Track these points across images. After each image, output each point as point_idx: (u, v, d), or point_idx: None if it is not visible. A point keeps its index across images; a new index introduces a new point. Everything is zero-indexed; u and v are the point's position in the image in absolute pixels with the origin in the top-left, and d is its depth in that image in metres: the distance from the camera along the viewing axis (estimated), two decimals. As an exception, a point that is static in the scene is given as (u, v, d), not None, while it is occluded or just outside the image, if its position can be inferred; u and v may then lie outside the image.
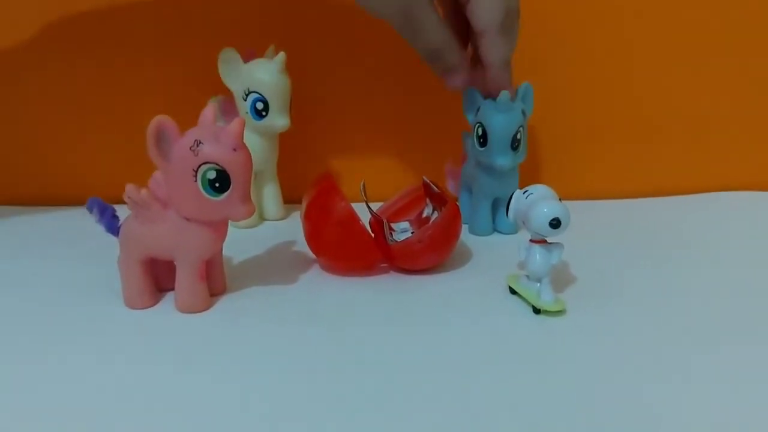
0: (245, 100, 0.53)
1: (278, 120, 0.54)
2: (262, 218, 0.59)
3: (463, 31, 0.52)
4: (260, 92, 0.53)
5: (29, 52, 0.61)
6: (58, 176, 0.64)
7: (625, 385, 0.33)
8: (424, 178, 0.51)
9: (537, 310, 0.41)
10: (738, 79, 0.64)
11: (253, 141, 0.52)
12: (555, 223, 0.39)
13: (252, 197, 0.52)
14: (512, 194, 0.42)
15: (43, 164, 0.64)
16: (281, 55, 0.53)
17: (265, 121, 0.54)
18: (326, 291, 0.45)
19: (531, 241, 0.41)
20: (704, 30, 0.62)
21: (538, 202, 0.40)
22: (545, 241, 0.41)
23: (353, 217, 0.44)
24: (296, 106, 0.58)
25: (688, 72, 0.64)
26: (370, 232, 0.47)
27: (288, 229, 0.56)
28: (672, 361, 0.35)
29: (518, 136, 0.51)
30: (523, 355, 0.36)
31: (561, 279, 0.45)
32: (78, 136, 0.64)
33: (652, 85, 0.64)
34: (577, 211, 0.57)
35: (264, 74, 0.53)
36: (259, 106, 0.53)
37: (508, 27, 0.49)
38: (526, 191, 0.41)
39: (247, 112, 0.54)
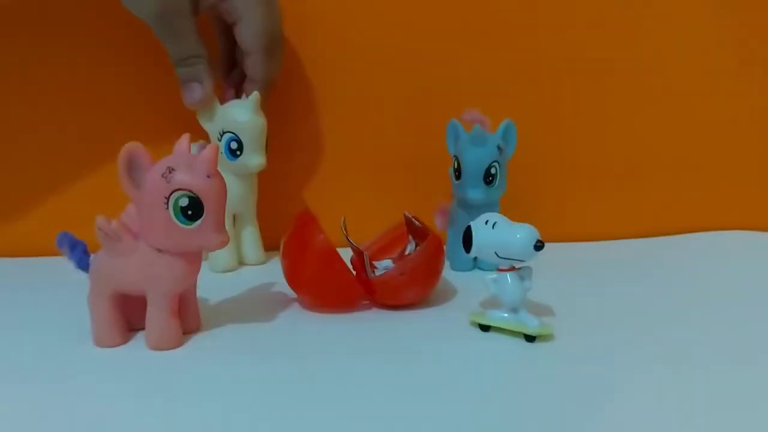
0: (220, 141, 0.53)
1: (252, 159, 0.53)
2: (241, 263, 0.58)
3: (232, 50, 0.57)
4: (234, 132, 0.53)
5: None
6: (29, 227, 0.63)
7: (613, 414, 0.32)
8: (406, 213, 0.50)
9: (531, 338, 0.39)
10: (722, 119, 0.64)
11: (230, 182, 0.51)
12: (540, 245, 0.38)
13: (231, 241, 0.51)
14: (466, 231, 0.41)
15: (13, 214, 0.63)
16: (255, 95, 0.53)
17: (240, 161, 0.53)
18: (305, 328, 0.43)
19: (500, 270, 0.40)
20: (686, 72, 0.64)
21: (509, 227, 0.39)
22: (514, 268, 0.40)
23: (332, 251, 0.43)
24: (277, 149, 0.57)
25: (672, 113, 0.64)
26: (351, 269, 0.46)
27: (268, 273, 0.55)
28: (652, 390, 0.34)
29: (492, 171, 0.51)
30: (511, 389, 0.34)
31: (543, 315, 0.44)
32: (50, 184, 0.63)
33: (636, 126, 0.64)
34: (561, 253, 0.58)
35: (238, 114, 0.53)
36: (234, 145, 0.53)
37: (272, 50, 0.54)
38: (486, 222, 0.40)
39: (222, 153, 0.53)
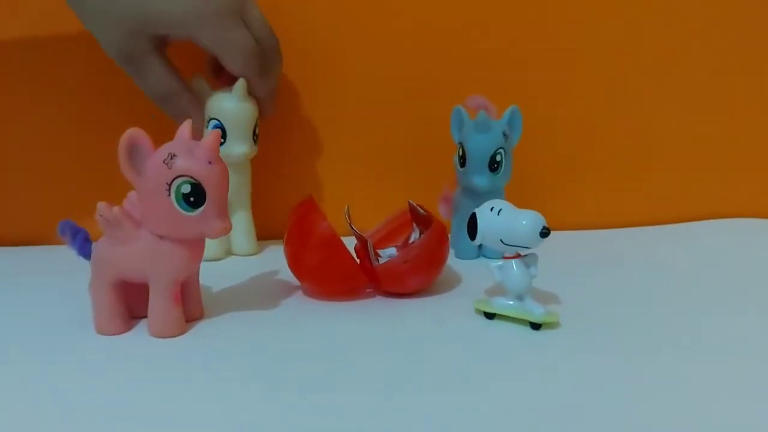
0: (207, 128, 0.52)
1: (236, 148, 0.52)
2: (229, 252, 0.57)
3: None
4: (219, 119, 0.52)
5: None
6: (31, 215, 0.63)
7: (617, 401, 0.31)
8: (410, 201, 0.49)
9: (536, 326, 0.39)
10: (730, 107, 0.64)
11: None
12: (546, 232, 0.37)
13: None
14: (471, 218, 0.40)
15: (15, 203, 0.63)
16: (240, 83, 0.51)
17: (223, 149, 0.52)
18: (308, 316, 0.43)
19: (505, 257, 0.40)
20: (693, 60, 0.63)
21: (515, 214, 0.39)
22: (519, 255, 0.40)
23: (335, 238, 0.43)
24: (279, 137, 0.57)
25: (679, 101, 0.63)
26: (355, 257, 0.45)
27: (272, 261, 0.54)
28: (658, 378, 0.34)
29: (498, 158, 0.50)
30: (516, 376, 0.34)
31: (548, 303, 0.43)
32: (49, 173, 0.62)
33: (643, 113, 0.64)
34: (567, 240, 0.57)
35: (223, 101, 0.52)
36: None
37: (267, 68, 0.53)
38: (492, 209, 0.40)
39: None
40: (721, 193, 0.65)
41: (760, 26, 0.62)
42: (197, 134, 0.50)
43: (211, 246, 0.54)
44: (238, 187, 0.56)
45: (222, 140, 0.52)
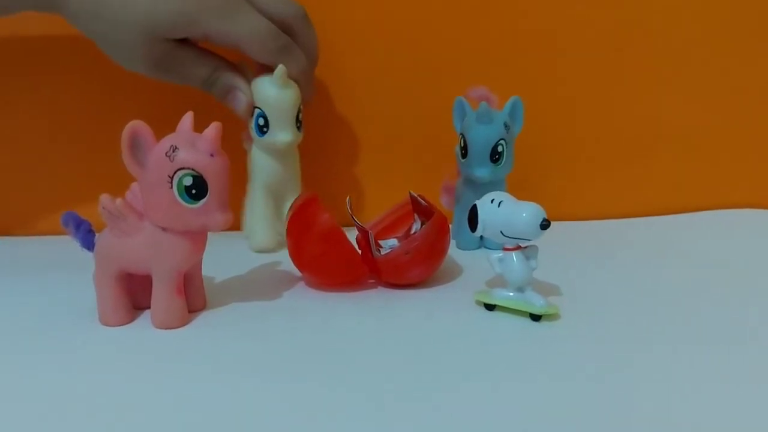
0: (253, 117, 0.52)
1: (279, 136, 0.52)
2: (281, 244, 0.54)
3: None
4: (261, 108, 0.51)
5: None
6: (35, 206, 0.63)
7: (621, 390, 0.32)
8: (411, 192, 0.50)
9: (536, 317, 0.39)
10: (731, 97, 0.63)
11: (263, 159, 0.53)
12: (546, 224, 0.38)
13: (268, 219, 0.52)
14: (472, 210, 0.41)
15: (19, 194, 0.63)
16: (280, 69, 0.50)
17: (267, 138, 0.52)
18: (310, 307, 0.43)
19: (505, 249, 0.40)
20: (694, 50, 0.63)
21: (515, 206, 0.39)
22: (520, 247, 0.40)
23: (336, 229, 0.43)
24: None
25: (681, 91, 0.63)
26: (357, 248, 0.46)
27: (274, 252, 0.54)
28: (657, 370, 0.34)
29: (499, 149, 0.50)
30: (519, 366, 0.34)
31: (548, 295, 0.44)
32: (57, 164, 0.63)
33: (644, 104, 0.63)
34: (567, 232, 0.57)
35: (264, 89, 0.51)
36: (261, 122, 0.52)
37: (290, 45, 0.52)
38: (492, 200, 0.40)
39: (252, 128, 0.52)
40: (725, 184, 0.65)
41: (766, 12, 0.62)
42: (249, 108, 0.52)
43: (261, 234, 0.54)
44: (288, 176, 0.55)
45: (265, 129, 0.52)
